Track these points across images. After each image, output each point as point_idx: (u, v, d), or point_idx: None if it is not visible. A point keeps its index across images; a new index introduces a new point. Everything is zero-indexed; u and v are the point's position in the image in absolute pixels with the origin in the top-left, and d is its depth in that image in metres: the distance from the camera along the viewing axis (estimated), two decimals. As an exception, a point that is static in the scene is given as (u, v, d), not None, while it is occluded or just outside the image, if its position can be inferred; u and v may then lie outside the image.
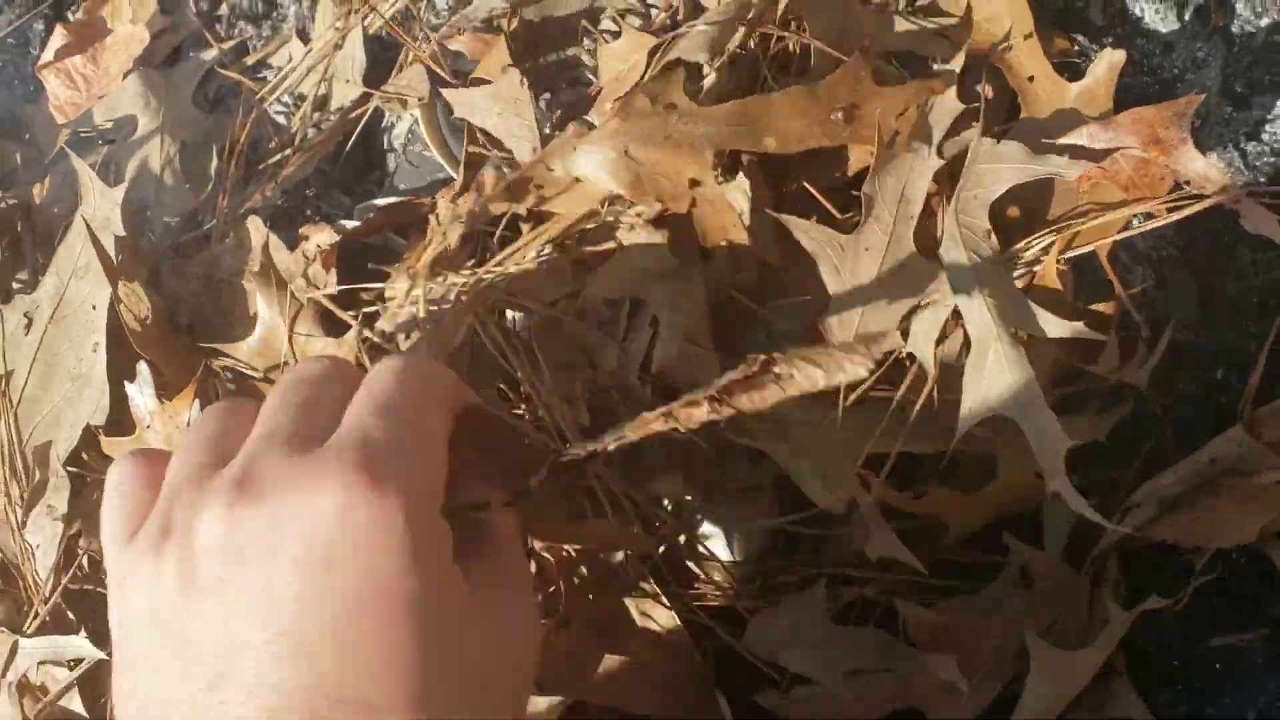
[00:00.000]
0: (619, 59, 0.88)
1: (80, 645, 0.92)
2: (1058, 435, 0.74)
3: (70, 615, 0.95)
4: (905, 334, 0.82)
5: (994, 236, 0.81)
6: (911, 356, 0.82)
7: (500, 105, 0.89)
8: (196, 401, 0.91)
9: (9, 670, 0.93)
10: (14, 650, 0.93)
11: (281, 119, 1.13)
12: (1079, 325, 0.78)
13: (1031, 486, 0.84)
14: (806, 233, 0.82)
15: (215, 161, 1.10)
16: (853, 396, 0.83)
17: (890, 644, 0.81)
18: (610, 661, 0.83)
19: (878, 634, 0.81)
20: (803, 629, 0.82)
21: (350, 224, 0.95)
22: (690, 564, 0.87)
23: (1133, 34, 0.95)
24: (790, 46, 0.87)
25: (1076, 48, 0.96)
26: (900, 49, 0.93)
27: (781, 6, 0.86)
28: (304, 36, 1.14)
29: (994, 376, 0.77)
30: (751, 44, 0.90)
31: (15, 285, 1.04)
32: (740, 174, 0.83)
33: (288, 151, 1.10)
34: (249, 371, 0.92)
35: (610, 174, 0.83)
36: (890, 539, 0.79)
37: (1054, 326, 0.78)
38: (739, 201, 0.84)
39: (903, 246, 0.80)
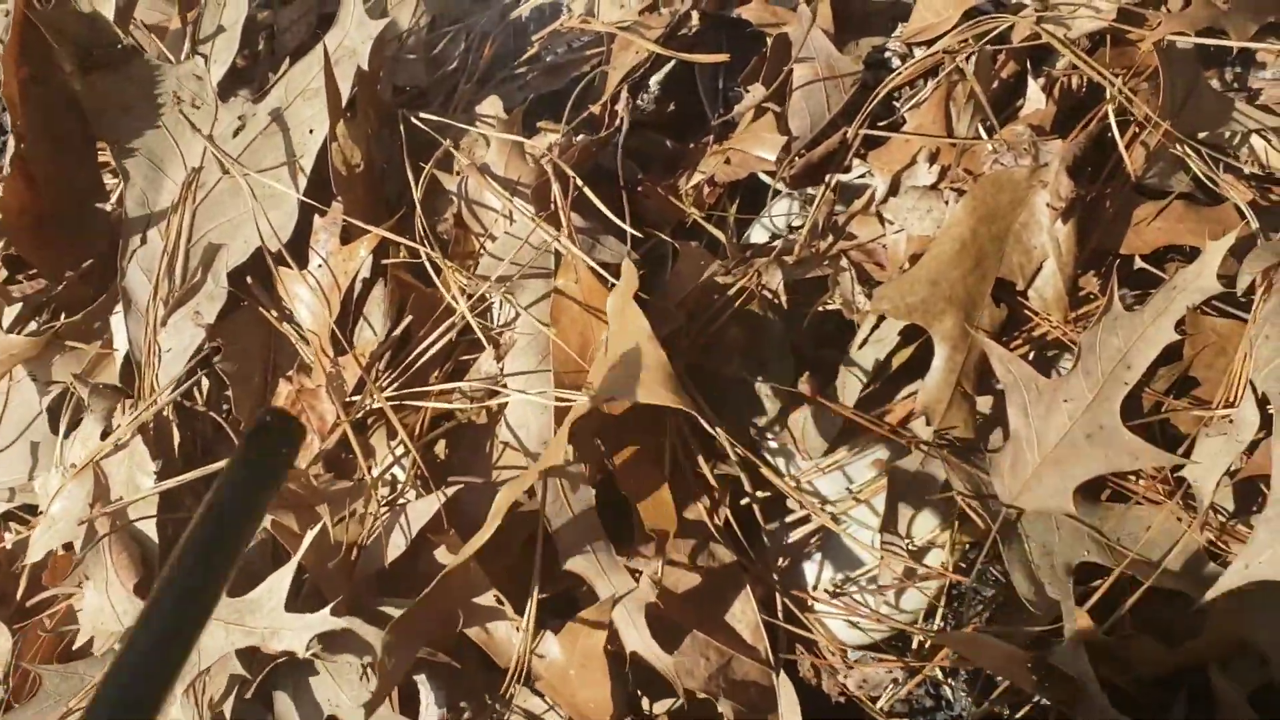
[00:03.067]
0: (934, 11, 0.83)
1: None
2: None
3: (174, 428, 0.87)
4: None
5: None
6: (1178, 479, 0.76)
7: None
8: (370, 257, 0.85)
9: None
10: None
11: (533, 25, 1.08)
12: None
13: (1233, 647, 0.77)
14: (1004, 363, 0.77)
15: (461, 46, 1.06)
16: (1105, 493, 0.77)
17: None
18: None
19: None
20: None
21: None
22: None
23: None
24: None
25: None
26: (1219, 137, 0.87)
27: (1142, 53, 0.80)
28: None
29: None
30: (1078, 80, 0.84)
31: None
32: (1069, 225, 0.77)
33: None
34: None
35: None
36: (1084, 665, 0.73)
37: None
38: (1054, 245, 0.78)
39: (1107, 412, 0.74)
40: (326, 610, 0.71)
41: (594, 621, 0.77)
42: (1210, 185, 0.82)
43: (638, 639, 0.75)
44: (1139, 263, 0.83)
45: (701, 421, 0.81)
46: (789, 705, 0.81)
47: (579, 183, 0.79)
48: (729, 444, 0.81)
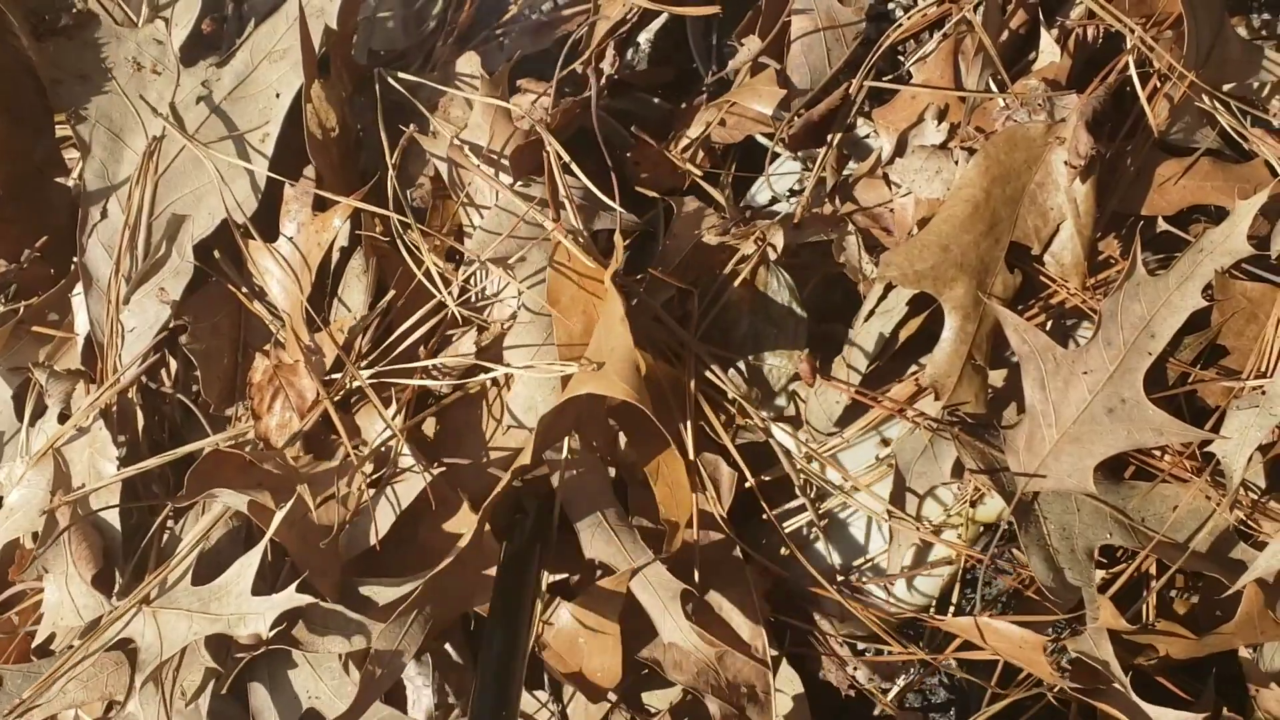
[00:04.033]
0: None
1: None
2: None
3: (139, 411, 0.82)
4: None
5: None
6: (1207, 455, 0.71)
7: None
8: (346, 223, 0.80)
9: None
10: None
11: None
12: None
13: (1268, 632, 0.72)
14: (1019, 332, 0.71)
15: (439, 5, 1.00)
16: (1129, 470, 0.72)
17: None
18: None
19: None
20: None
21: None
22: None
23: None
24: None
25: None
26: (1247, 88, 0.82)
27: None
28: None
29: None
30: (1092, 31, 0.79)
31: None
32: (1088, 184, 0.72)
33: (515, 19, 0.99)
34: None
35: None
36: (1108, 653, 0.69)
37: None
38: (1072, 206, 0.73)
39: (1129, 384, 0.69)
40: (291, 588, 0.66)
41: (611, 591, 0.74)
42: (1239, 140, 0.77)
43: (674, 628, 0.72)
44: (1162, 224, 0.78)
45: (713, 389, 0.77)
46: (797, 705, 0.77)
47: (559, 151, 0.74)
48: (751, 411, 0.76)
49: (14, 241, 0.90)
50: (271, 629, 0.67)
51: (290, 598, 0.66)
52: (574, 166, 0.75)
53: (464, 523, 0.74)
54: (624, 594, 0.74)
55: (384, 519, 0.73)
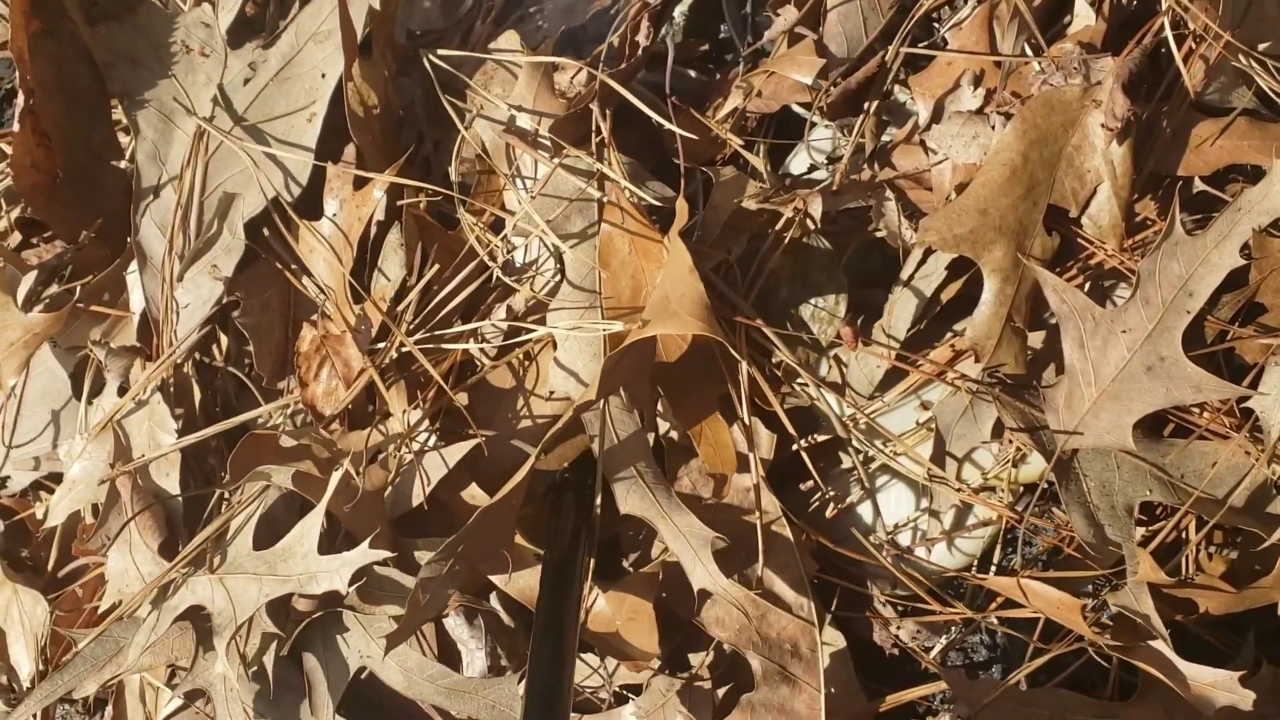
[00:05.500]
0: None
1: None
2: None
3: (194, 385, 0.85)
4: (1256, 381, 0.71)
5: None
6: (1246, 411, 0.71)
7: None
8: (384, 197, 0.82)
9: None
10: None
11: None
12: None
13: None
14: (1058, 293, 0.72)
15: (477, -15, 1.02)
16: (1168, 428, 0.73)
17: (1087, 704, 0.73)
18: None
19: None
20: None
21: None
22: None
23: None
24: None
25: None
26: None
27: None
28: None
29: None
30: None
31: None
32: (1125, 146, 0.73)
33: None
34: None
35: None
36: (1149, 608, 0.69)
37: None
38: (1109, 168, 0.73)
39: (1168, 342, 0.70)
40: (365, 544, 0.68)
41: (648, 576, 0.75)
42: (1275, 99, 0.77)
43: (705, 575, 0.71)
44: (1199, 184, 0.78)
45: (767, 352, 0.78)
46: (840, 661, 0.78)
47: (601, 124, 0.75)
48: (805, 374, 0.77)
49: (71, 224, 0.92)
50: (351, 584, 0.69)
51: (365, 553, 0.68)
52: (610, 151, 0.77)
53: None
54: (658, 578, 0.76)
55: (428, 483, 0.75)
